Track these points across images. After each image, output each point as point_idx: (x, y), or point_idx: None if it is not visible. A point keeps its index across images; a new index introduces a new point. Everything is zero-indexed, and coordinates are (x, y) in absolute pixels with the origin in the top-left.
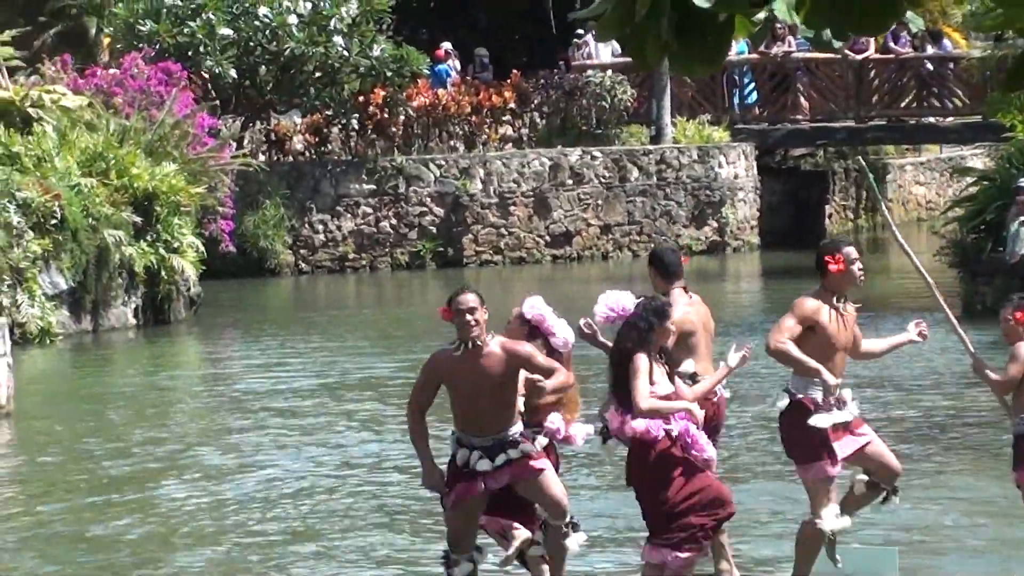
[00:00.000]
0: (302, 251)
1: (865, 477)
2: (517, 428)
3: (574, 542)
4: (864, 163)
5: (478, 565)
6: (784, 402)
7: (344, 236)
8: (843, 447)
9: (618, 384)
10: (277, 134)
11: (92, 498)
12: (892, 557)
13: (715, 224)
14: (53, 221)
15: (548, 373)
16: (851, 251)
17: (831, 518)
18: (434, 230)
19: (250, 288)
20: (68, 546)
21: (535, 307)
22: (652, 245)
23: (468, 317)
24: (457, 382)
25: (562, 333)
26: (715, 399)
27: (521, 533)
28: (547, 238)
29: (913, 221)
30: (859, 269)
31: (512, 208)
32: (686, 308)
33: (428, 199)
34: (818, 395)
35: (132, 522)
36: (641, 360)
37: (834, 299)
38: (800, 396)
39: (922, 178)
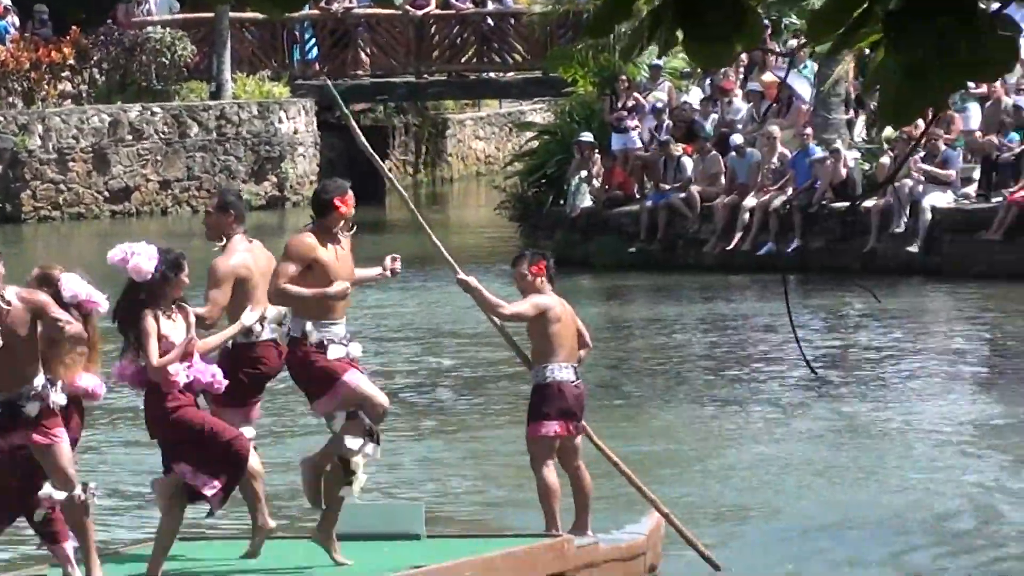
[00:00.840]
0: None
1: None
2: (37, 383)
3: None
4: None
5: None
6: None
7: None
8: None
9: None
10: None
11: None
12: (418, 512)
13: (275, 179)
14: None
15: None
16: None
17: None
18: None
19: None
20: None
21: (73, 289)
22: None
23: None
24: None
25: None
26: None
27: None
28: (106, 194)
29: (473, 176)
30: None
31: (71, 164)
32: (244, 254)
33: None
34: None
35: None
36: (148, 321)
37: (335, 235)
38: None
39: (482, 133)
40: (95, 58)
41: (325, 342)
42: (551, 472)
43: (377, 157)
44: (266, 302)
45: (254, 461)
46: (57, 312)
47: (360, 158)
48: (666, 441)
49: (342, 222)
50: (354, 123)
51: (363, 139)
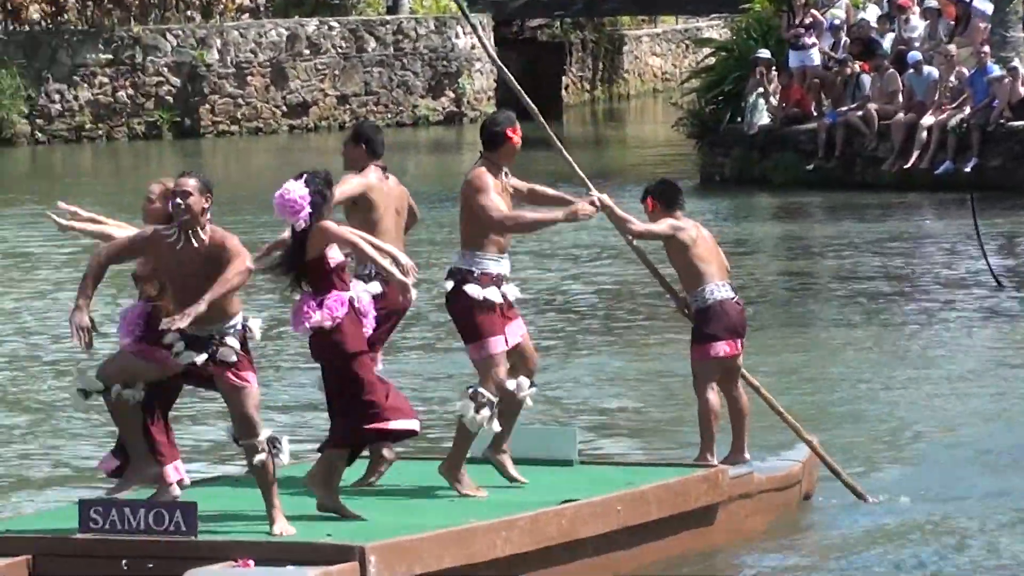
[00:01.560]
0: (38, 121)
1: None
2: (233, 324)
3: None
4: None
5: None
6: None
7: (81, 106)
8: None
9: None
10: (12, 3)
11: None
12: (572, 437)
13: (452, 95)
14: None
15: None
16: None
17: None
18: (171, 100)
19: None
20: None
21: None
22: (389, 115)
23: (177, 201)
24: (166, 266)
25: None
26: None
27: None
28: (284, 108)
29: (649, 92)
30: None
31: (249, 78)
32: (376, 180)
33: (165, 69)
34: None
35: None
36: (336, 228)
37: (502, 172)
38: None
39: (659, 49)
40: None
41: (483, 282)
42: (714, 395)
43: (509, 74)
44: (396, 238)
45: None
46: (242, 254)
47: (536, 73)
48: (842, 362)
49: (513, 155)
50: (483, 38)
51: (492, 52)
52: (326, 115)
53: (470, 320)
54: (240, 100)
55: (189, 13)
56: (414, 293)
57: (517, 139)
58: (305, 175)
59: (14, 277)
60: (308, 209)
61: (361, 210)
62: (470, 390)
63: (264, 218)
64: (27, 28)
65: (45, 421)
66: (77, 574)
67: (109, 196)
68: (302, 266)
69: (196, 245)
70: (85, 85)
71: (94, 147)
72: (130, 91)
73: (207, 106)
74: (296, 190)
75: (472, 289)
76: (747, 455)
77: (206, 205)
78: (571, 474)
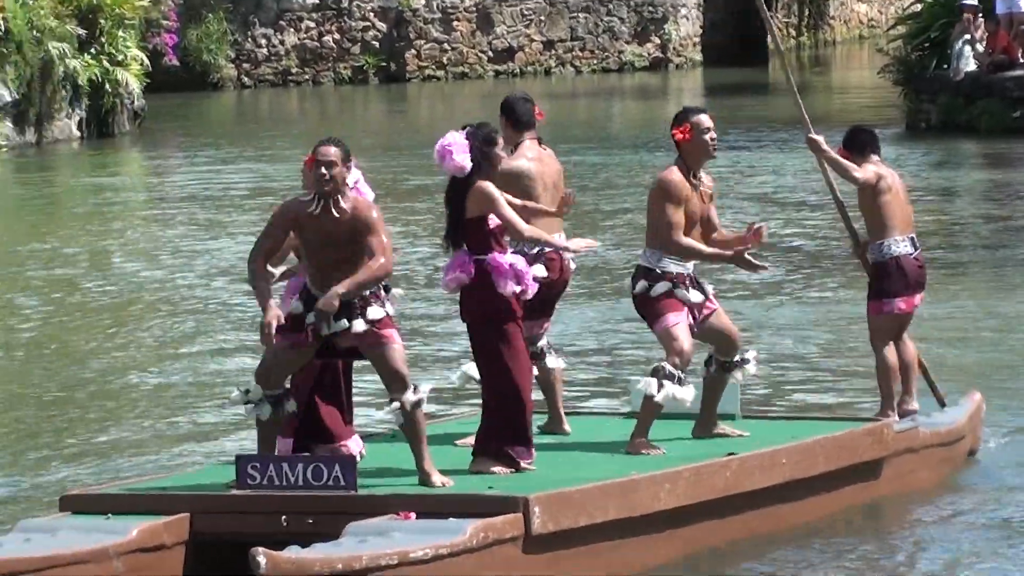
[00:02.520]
0: (245, 65)
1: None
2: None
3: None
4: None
5: (282, 413)
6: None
7: (287, 50)
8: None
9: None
10: None
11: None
12: (734, 392)
13: (657, 40)
14: None
15: (372, 254)
16: (703, 119)
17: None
18: (377, 45)
19: (193, 102)
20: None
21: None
22: (595, 61)
23: (322, 171)
24: (309, 238)
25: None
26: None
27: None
28: (490, 53)
29: (855, 39)
30: (712, 139)
31: (455, 23)
32: (532, 160)
33: (371, 14)
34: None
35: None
36: (492, 190)
37: (690, 174)
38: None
39: None
40: None
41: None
42: (891, 351)
43: (768, 16)
44: (552, 216)
45: None
46: (383, 238)
47: (740, 20)
48: None
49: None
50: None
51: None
52: (532, 61)
53: (652, 307)
54: (446, 45)
55: None
56: (573, 265)
57: (682, 136)
58: (468, 128)
59: (211, 218)
60: (467, 162)
61: (520, 189)
62: (653, 366)
63: None
64: None
65: (215, 380)
66: (235, 531)
67: (313, 142)
68: (461, 223)
69: (336, 215)
70: (291, 30)
71: (300, 92)
72: (336, 36)
73: (413, 51)
74: (457, 140)
75: (654, 288)
76: (915, 404)
77: (347, 174)
78: (733, 427)
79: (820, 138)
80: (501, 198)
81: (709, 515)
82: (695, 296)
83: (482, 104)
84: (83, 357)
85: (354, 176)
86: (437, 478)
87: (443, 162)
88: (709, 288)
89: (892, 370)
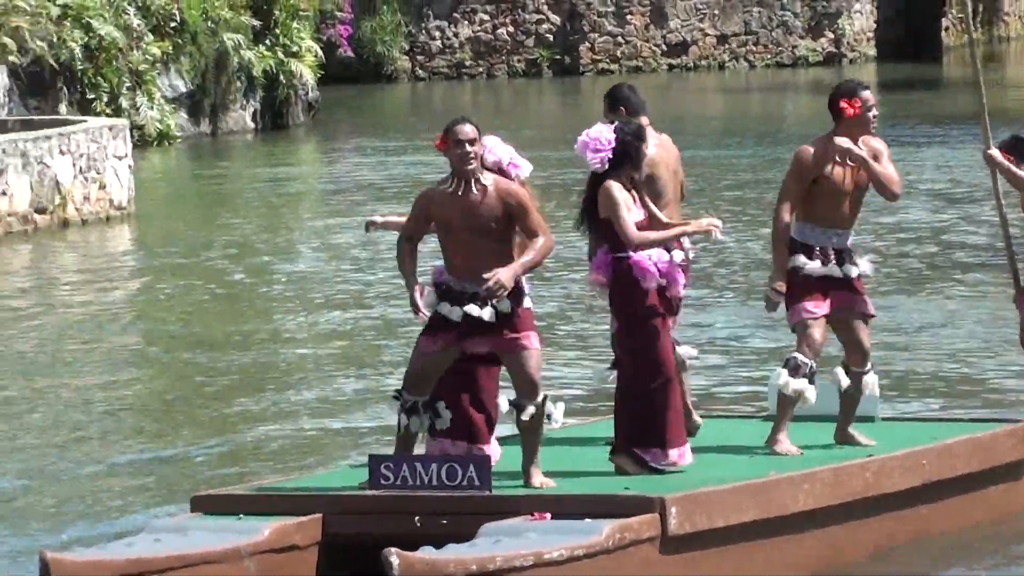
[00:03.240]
0: (419, 57)
1: None
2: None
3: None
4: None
5: (434, 425)
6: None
7: (461, 43)
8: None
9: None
10: None
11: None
12: (873, 396)
13: (831, 35)
14: (172, 24)
15: (533, 234)
16: (869, 96)
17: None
18: (551, 38)
19: (367, 93)
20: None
21: (496, 153)
22: (768, 56)
23: (467, 149)
24: (449, 220)
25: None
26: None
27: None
28: (663, 47)
29: None
30: (874, 116)
31: (629, 17)
32: (653, 148)
33: (545, 7)
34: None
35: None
36: (615, 189)
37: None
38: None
39: None
40: None
41: (806, 253)
42: None
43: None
44: (674, 201)
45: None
46: (536, 216)
47: (915, 14)
48: None
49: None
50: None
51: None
52: (705, 55)
53: (790, 287)
54: (620, 38)
55: None
56: (692, 254)
57: (852, 111)
58: (618, 123)
59: (374, 209)
60: (607, 155)
61: (645, 182)
62: (786, 357)
63: None
64: None
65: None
66: (368, 532)
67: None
68: (596, 221)
69: (476, 194)
70: (465, 22)
71: (474, 84)
72: (510, 28)
73: (587, 44)
74: (603, 133)
75: (795, 260)
76: None
77: (482, 151)
78: (873, 430)
79: (997, 153)
80: (623, 203)
81: (848, 517)
82: (848, 271)
83: (655, 97)
84: (240, 346)
85: (506, 152)
86: (537, 479)
87: (584, 155)
88: (858, 269)
89: None
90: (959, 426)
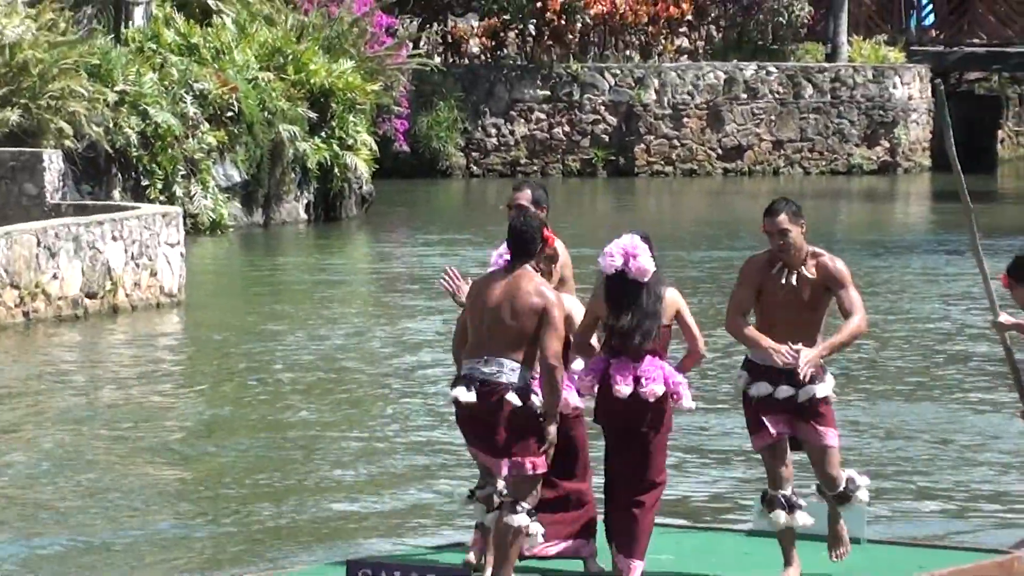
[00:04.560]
0: (474, 154)
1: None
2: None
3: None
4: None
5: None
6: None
7: (516, 141)
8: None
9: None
10: (454, 36)
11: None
12: (860, 516)
13: (887, 144)
14: (229, 113)
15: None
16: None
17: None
18: (607, 138)
19: (421, 188)
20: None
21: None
22: (823, 163)
23: (780, 240)
24: (766, 297)
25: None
26: None
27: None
28: (719, 151)
29: None
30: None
31: (685, 120)
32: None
33: (602, 107)
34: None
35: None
36: (674, 296)
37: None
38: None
39: None
40: (712, 15)
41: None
42: None
43: (954, 152)
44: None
45: None
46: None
47: (971, 126)
48: None
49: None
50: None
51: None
52: (760, 160)
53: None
54: (675, 141)
55: (628, 53)
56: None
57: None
58: (636, 233)
59: (432, 306)
60: (652, 265)
61: None
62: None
63: (696, 254)
64: (467, 62)
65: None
66: None
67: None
68: (655, 329)
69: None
70: (521, 120)
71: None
72: (566, 128)
73: (642, 145)
74: (639, 243)
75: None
76: None
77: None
78: (859, 554)
79: (1006, 317)
80: (687, 313)
81: None
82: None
83: (709, 200)
84: (287, 432)
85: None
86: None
87: (626, 264)
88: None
89: None
90: (947, 554)
